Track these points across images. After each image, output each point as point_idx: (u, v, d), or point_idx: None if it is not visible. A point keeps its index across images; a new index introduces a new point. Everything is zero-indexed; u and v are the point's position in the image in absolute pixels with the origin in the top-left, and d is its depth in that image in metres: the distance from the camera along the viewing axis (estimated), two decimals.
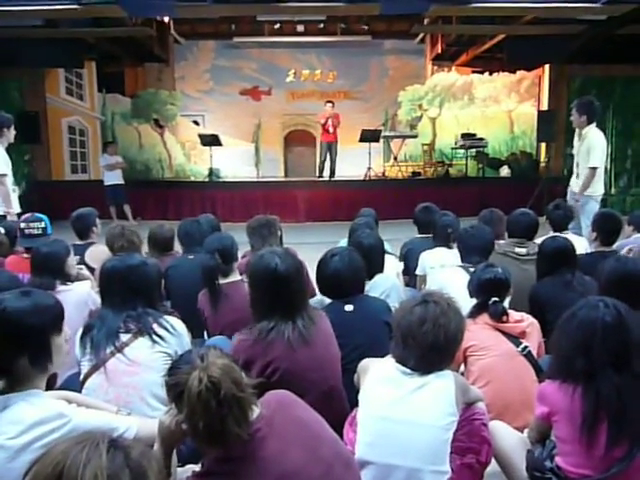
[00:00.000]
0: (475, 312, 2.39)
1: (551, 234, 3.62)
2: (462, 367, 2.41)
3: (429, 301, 1.75)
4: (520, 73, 12.49)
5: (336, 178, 10.75)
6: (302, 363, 1.97)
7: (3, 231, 3.63)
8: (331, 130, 10.69)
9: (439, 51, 13.31)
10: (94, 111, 12.95)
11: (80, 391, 1.95)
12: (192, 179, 13.13)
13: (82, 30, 9.17)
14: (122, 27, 9.66)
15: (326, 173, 10.93)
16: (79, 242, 3.70)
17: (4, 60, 9.27)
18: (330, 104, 10.90)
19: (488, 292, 2.38)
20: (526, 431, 1.90)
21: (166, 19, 12.36)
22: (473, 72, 13.20)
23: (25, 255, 3.24)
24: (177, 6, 7.30)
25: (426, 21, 11.63)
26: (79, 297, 2.56)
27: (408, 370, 1.72)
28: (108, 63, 12.43)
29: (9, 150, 4.82)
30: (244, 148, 14.99)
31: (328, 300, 2.58)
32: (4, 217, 4.52)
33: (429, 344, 1.69)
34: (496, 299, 2.35)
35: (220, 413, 1.25)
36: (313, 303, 3.15)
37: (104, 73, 12.72)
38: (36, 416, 1.43)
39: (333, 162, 10.87)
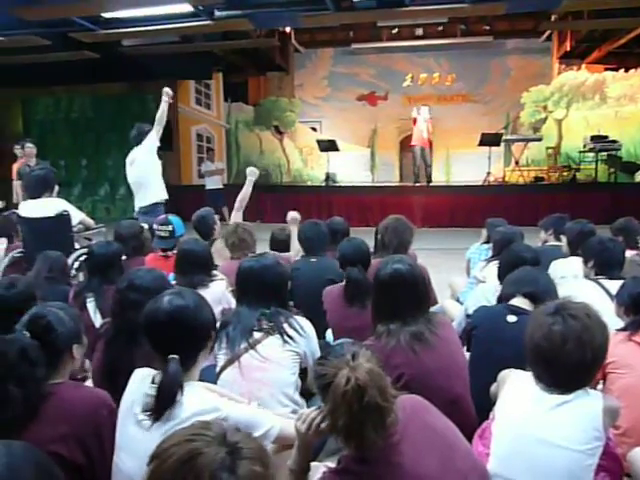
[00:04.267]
0: (631, 328, 2.19)
1: None
2: (600, 385, 2.24)
3: (566, 315, 1.60)
4: None
5: (453, 183, 10.50)
6: (426, 367, 1.95)
7: (147, 227, 3.81)
8: (425, 135, 10.45)
9: (567, 49, 12.57)
10: (220, 119, 13.71)
11: (215, 382, 2.06)
12: (309, 184, 13.47)
13: (212, 44, 9.78)
14: (248, 39, 10.17)
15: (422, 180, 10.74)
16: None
17: (143, 75, 10.13)
18: (426, 107, 10.71)
19: None
20: None
21: (288, 29, 12.81)
22: (606, 69, 12.31)
23: (161, 254, 3.46)
24: (301, 16, 7.53)
25: (553, 18, 11.04)
26: (214, 295, 2.66)
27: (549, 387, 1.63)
28: (233, 74, 13.14)
29: None
30: (360, 153, 15.11)
31: (456, 310, 2.51)
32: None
33: (574, 364, 1.56)
34: None
35: (360, 417, 1.25)
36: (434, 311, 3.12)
37: (229, 83, 13.47)
38: (196, 407, 1.50)
39: (429, 167, 10.68)
